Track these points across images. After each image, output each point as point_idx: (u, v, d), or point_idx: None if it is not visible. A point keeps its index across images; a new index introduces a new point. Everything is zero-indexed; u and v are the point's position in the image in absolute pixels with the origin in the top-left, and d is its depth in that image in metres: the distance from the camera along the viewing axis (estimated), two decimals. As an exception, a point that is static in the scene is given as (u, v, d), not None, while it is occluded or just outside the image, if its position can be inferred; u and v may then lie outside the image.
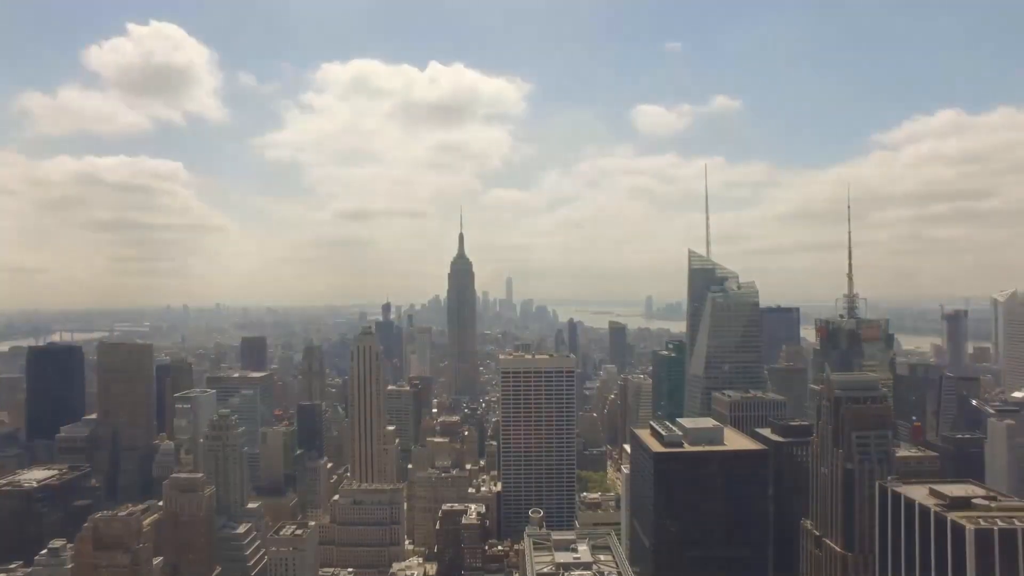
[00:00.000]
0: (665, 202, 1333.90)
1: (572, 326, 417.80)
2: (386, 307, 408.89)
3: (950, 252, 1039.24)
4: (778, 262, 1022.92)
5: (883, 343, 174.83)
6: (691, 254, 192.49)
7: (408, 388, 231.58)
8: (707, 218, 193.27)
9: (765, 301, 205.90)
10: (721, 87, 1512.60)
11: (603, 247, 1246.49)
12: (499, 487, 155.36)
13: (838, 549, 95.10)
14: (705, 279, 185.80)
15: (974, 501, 71.88)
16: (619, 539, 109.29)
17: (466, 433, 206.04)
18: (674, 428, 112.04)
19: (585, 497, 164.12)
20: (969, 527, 65.36)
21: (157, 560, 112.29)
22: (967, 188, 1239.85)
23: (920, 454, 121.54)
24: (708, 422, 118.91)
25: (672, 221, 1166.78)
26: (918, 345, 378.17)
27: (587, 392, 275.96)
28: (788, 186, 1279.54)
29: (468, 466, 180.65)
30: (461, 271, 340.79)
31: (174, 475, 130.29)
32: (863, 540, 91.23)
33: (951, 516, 68.08)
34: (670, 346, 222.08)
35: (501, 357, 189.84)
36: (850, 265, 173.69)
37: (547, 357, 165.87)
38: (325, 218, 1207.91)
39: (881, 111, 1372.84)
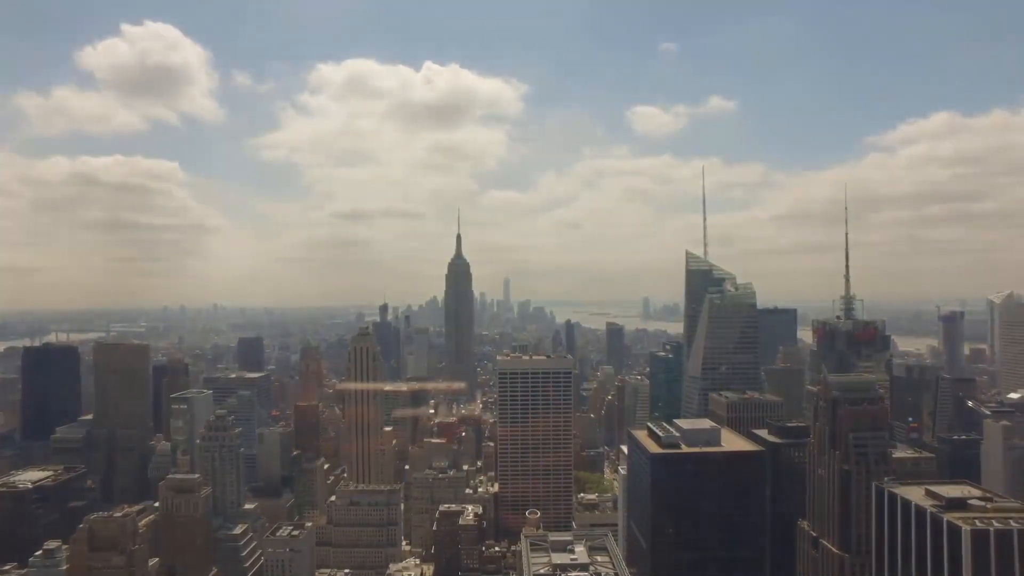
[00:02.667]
0: (662, 203, 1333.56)
1: (569, 327, 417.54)
2: (383, 308, 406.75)
3: (946, 254, 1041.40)
4: (775, 263, 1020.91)
5: (880, 344, 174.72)
6: (688, 255, 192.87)
7: (406, 389, 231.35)
8: (704, 219, 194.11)
9: (762, 302, 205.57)
10: (716, 88, 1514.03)
11: (600, 248, 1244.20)
12: (496, 488, 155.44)
13: (835, 550, 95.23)
14: (702, 280, 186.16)
15: (970, 502, 72.17)
16: (616, 540, 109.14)
17: (463, 434, 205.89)
18: (671, 429, 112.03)
19: (582, 498, 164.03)
20: (966, 528, 65.59)
21: (153, 561, 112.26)
22: (963, 190, 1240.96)
23: (917, 455, 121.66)
24: (705, 423, 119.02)
25: (669, 222, 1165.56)
26: (915, 346, 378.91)
27: (584, 393, 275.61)
28: (784, 187, 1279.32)
29: (465, 467, 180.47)
30: (458, 272, 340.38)
31: (170, 476, 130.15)
32: (860, 541, 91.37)
33: (947, 517, 68.32)
34: (667, 347, 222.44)
35: (499, 358, 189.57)
36: (847, 266, 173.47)
37: (544, 358, 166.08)
38: (322, 219, 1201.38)
39: (876, 113, 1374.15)
